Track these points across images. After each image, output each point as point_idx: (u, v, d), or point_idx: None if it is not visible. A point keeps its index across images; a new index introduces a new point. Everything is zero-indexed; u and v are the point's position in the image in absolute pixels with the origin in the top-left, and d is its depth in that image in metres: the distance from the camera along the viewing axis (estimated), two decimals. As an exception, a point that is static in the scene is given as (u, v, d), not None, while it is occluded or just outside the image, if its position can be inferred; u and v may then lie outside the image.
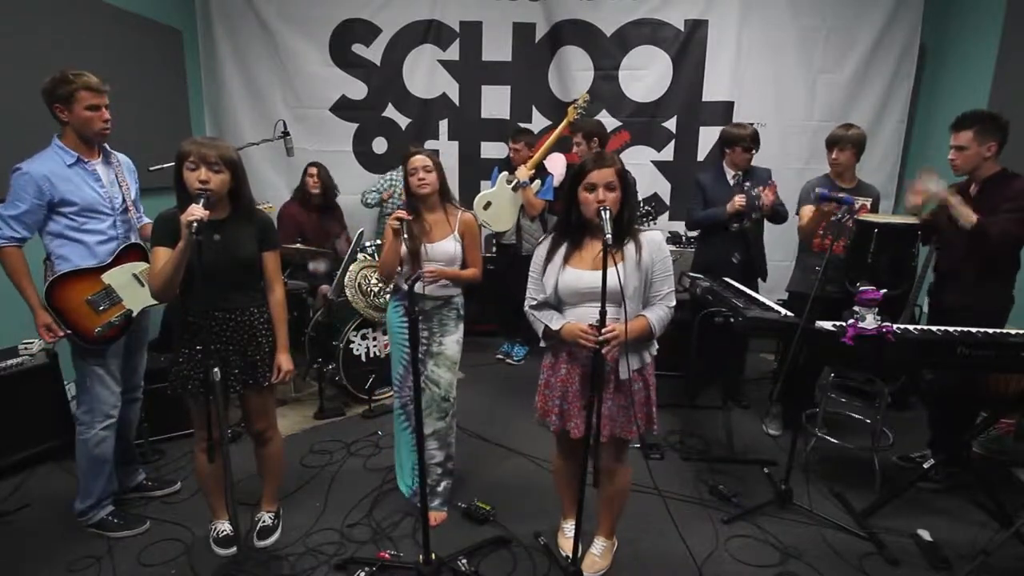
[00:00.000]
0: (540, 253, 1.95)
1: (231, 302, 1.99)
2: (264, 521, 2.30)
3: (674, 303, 1.87)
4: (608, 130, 3.93)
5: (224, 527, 2.23)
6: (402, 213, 2.22)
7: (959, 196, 2.44)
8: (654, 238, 1.86)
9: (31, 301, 2.10)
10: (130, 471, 2.53)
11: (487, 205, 4.01)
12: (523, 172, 3.86)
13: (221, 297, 1.96)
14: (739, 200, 3.09)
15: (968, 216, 2.37)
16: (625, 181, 1.81)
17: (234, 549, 2.15)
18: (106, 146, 2.25)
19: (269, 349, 2.09)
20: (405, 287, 2.18)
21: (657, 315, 1.83)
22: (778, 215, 3.22)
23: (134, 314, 2.27)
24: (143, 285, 2.27)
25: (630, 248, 1.83)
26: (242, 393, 2.08)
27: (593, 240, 1.86)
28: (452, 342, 2.38)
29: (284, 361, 2.11)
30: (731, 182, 3.24)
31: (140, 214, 2.42)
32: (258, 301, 2.08)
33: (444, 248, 2.30)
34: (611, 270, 1.68)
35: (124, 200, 2.27)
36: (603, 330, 1.71)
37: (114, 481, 2.37)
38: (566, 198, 1.88)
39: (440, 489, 2.45)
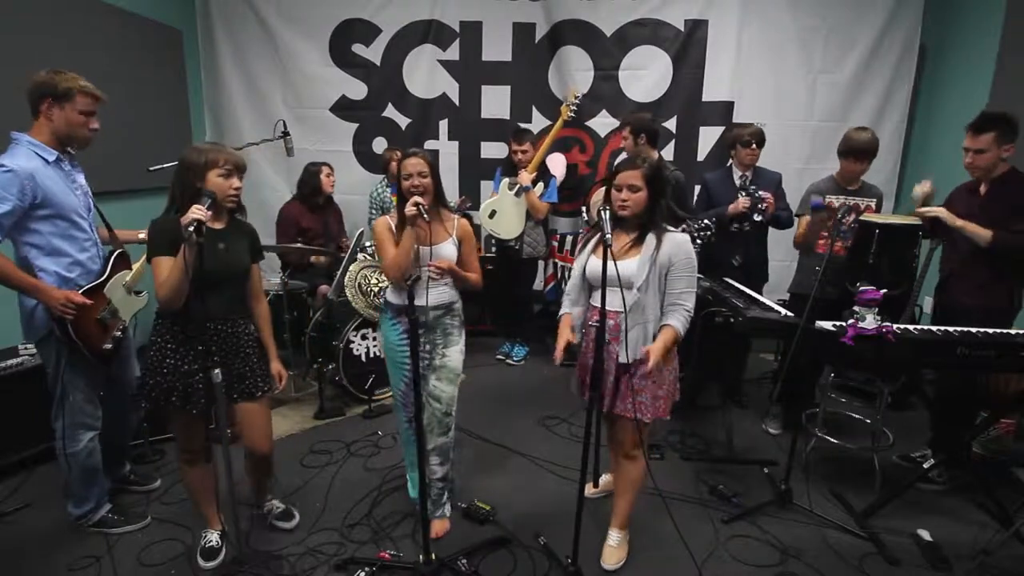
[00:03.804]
0: (581, 245, 2.17)
1: (224, 312, 1.96)
2: (277, 507, 2.36)
3: (691, 304, 1.97)
4: (616, 126, 3.89)
5: (212, 537, 2.16)
6: (419, 199, 2.05)
7: (965, 221, 2.44)
8: (677, 238, 1.97)
9: (32, 287, 1.93)
10: (116, 467, 2.53)
11: (492, 214, 4.01)
12: (524, 177, 3.86)
13: (218, 307, 1.93)
14: (743, 202, 3.08)
15: (983, 234, 2.40)
16: (655, 183, 1.94)
17: (217, 562, 2.12)
18: (70, 151, 2.13)
19: (257, 360, 2.06)
20: (399, 301, 2.16)
21: (680, 321, 1.95)
22: (780, 221, 3.21)
23: (126, 324, 2.26)
24: (129, 294, 2.26)
25: (649, 243, 1.94)
26: (234, 405, 2.03)
27: (620, 233, 2.03)
28: (455, 352, 2.30)
29: (280, 368, 2.16)
30: (738, 183, 3.22)
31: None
32: (244, 312, 2.06)
33: (445, 251, 2.20)
34: (626, 261, 1.93)
35: (90, 207, 2.19)
36: (642, 366, 1.89)
37: (106, 481, 2.36)
38: (605, 196, 2.05)
39: (443, 501, 2.41)
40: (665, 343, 1.90)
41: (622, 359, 1.95)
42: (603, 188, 2.11)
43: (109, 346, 2.14)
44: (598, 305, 1.98)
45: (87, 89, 2.02)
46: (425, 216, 2.02)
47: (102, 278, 2.15)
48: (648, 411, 2.00)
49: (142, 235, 2.27)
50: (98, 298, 2.11)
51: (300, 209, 3.87)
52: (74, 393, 2.13)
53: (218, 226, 1.95)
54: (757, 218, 3.12)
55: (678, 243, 1.95)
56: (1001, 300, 2.50)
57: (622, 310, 1.86)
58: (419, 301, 2.13)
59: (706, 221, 2.90)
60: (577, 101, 4.15)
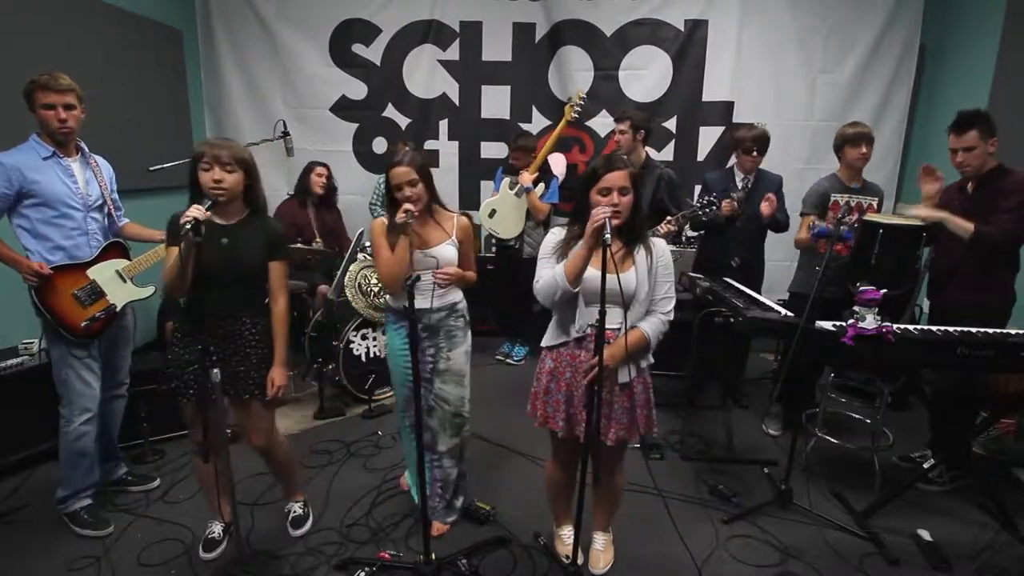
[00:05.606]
0: (551, 241, 1.91)
1: (223, 308, 1.94)
2: (295, 511, 2.34)
3: (669, 309, 1.86)
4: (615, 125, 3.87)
5: (216, 529, 2.20)
6: (410, 206, 2.00)
7: (947, 213, 2.45)
8: (660, 244, 1.89)
9: (10, 259, 2.13)
10: (110, 466, 2.56)
11: (492, 213, 4.01)
12: (526, 177, 3.86)
13: (221, 304, 1.93)
14: (726, 205, 3.02)
15: (965, 227, 2.40)
16: (635, 187, 1.80)
17: (215, 553, 2.15)
18: (84, 147, 2.29)
19: (256, 362, 2.00)
20: (400, 305, 2.10)
21: (653, 327, 1.85)
22: (778, 224, 3.21)
23: (117, 309, 2.34)
24: (125, 281, 2.36)
25: (641, 254, 1.84)
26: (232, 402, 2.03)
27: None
28: (460, 354, 2.25)
29: (277, 375, 2.00)
30: (739, 185, 3.21)
31: (120, 214, 2.47)
32: (251, 311, 2.01)
33: (444, 253, 2.15)
34: (623, 275, 1.72)
35: (103, 199, 2.32)
36: (596, 362, 1.72)
37: (95, 474, 2.38)
38: (580, 201, 1.85)
39: (458, 504, 2.41)
40: (620, 345, 1.77)
41: (622, 378, 1.86)
42: None
43: (85, 323, 2.22)
44: (586, 320, 1.84)
45: (40, 82, 2.08)
46: (411, 222, 2.00)
47: (87, 260, 2.26)
48: (625, 431, 1.90)
49: (160, 235, 2.38)
50: (77, 277, 2.24)
51: (293, 208, 3.93)
52: (65, 370, 2.23)
53: (222, 221, 1.93)
54: (743, 215, 3.12)
55: (662, 249, 1.87)
56: (992, 298, 2.50)
57: (616, 326, 1.78)
58: (423, 304, 2.12)
59: (708, 198, 2.92)
60: (582, 102, 4.16)
